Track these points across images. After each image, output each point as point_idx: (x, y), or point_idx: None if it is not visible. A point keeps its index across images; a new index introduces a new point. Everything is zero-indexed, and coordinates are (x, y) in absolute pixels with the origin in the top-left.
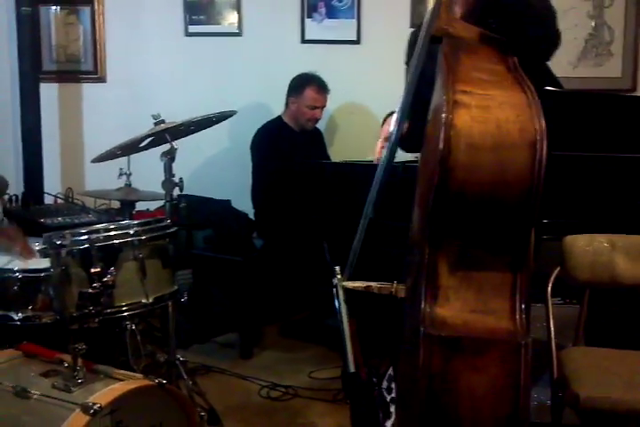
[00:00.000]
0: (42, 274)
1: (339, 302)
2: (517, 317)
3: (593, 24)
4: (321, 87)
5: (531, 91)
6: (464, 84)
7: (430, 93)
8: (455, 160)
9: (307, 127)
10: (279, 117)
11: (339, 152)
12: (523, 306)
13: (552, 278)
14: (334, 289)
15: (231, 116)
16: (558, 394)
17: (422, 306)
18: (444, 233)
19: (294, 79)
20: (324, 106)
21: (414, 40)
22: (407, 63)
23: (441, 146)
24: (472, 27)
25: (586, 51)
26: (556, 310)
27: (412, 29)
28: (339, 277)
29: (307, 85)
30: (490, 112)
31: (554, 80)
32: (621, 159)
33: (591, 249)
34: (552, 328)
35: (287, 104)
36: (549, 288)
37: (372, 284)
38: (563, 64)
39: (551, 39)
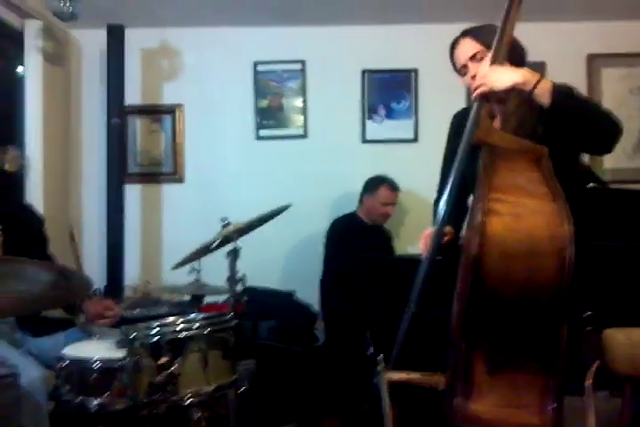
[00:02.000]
0: (118, 363)
1: (381, 390)
2: (547, 414)
3: None
4: (393, 186)
5: (561, 198)
6: (498, 192)
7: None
8: (488, 266)
9: (378, 222)
10: (353, 213)
11: (401, 247)
12: (554, 404)
13: (593, 372)
14: (376, 377)
15: (287, 209)
16: None
17: (456, 400)
18: (479, 331)
19: (370, 179)
20: (395, 203)
21: (456, 122)
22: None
23: (474, 252)
24: (510, 136)
25: None
26: (603, 404)
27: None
28: (381, 365)
29: (381, 185)
30: (521, 220)
31: (595, 177)
32: None
33: (630, 342)
34: (592, 423)
35: (361, 201)
36: (588, 382)
37: (413, 375)
38: (619, 155)
39: (618, 128)
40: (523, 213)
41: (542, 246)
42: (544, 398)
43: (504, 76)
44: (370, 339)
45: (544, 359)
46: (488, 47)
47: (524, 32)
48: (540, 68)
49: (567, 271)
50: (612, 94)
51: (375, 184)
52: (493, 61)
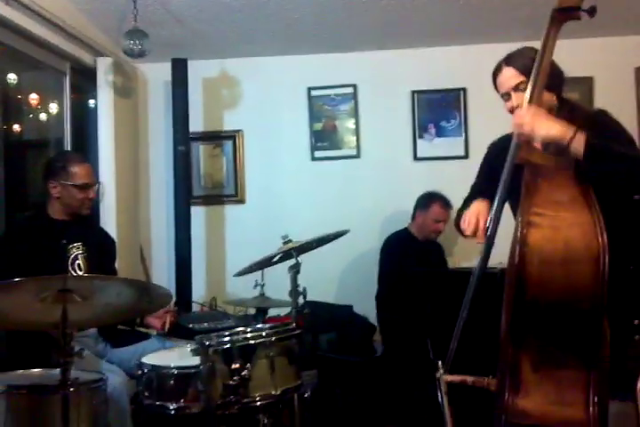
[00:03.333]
0: (193, 370)
1: (440, 394)
2: (591, 409)
3: None
4: (445, 203)
5: (597, 212)
6: (539, 207)
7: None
8: (529, 273)
9: (430, 238)
10: (406, 229)
11: (454, 262)
12: (596, 399)
13: None
14: (437, 382)
15: (345, 234)
16: None
17: (506, 398)
18: (524, 334)
19: (422, 196)
20: (446, 220)
21: (493, 148)
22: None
23: (516, 261)
24: (549, 155)
25: None
26: None
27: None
28: (441, 371)
29: (433, 202)
30: (559, 231)
31: None
32: None
33: None
34: None
35: (414, 217)
36: (639, 386)
37: (468, 378)
38: None
39: None
40: (561, 225)
41: (578, 254)
42: (588, 394)
43: (543, 128)
44: (430, 346)
45: (586, 358)
46: (529, 75)
47: (571, 48)
48: (587, 82)
49: (603, 278)
50: None
51: (428, 201)
52: (531, 100)
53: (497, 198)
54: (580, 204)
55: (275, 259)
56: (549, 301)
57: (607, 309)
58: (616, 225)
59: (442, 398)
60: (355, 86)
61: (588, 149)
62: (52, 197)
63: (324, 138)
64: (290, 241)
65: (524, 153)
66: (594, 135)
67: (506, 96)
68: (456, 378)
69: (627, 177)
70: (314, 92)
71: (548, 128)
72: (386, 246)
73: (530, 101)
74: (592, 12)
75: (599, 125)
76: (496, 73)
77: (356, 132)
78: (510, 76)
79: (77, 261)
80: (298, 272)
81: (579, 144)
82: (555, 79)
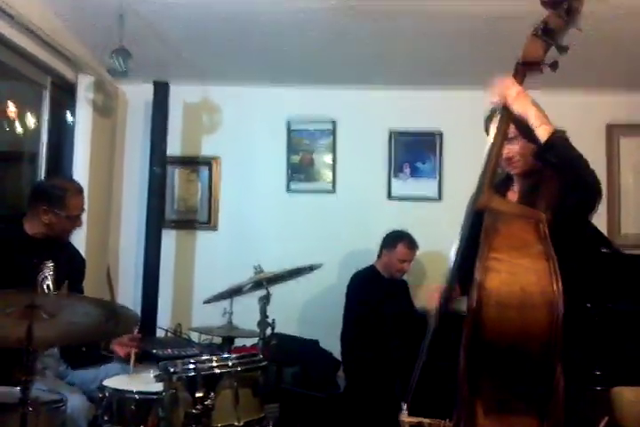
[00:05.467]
0: (155, 396)
1: None
2: None
3: None
4: (411, 244)
5: (553, 259)
6: (497, 252)
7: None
8: (486, 316)
9: (395, 277)
10: (372, 266)
11: (421, 300)
12: None
13: None
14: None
15: (319, 267)
16: None
17: None
18: (480, 377)
19: (389, 235)
20: (412, 260)
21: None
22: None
23: (474, 304)
24: (510, 202)
25: None
26: None
27: None
28: (405, 412)
29: (399, 241)
30: (516, 276)
31: (605, 240)
32: None
33: (638, 401)
34: None
35: (380, 255)
36: None
37: (425, 420)
38: (639, 222)
39: (599, 185)
40: (518, 271)
41: (534, 299)
42: None
43: (521, 105)
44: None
45: (538, 407)
46: (520, 129)
47: (545, 102)
48: None
49: (556, 325)
50: (631, 163)
51: (394, 240)
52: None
53: (454, 249)
54: (536, 250)
55: (245, 288)
56: (505, 344)
57: (562, 357)
58: (575, 272)
59: None
60: (334, 122)
61: (552, 136)
62: (37, 219)
63: (300, 170)
64: (261, 271)
65: (484, 200)
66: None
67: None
68: (414, 420)
69: (579, 171)
70: (293, 126)
71: (525, 107)
72: (352, 284)
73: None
74: (554, 66)
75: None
76: (490, 118)
77: (333, 167)
78: None
79: (47, 282)
80: (267, 303)
81: (545, 131)
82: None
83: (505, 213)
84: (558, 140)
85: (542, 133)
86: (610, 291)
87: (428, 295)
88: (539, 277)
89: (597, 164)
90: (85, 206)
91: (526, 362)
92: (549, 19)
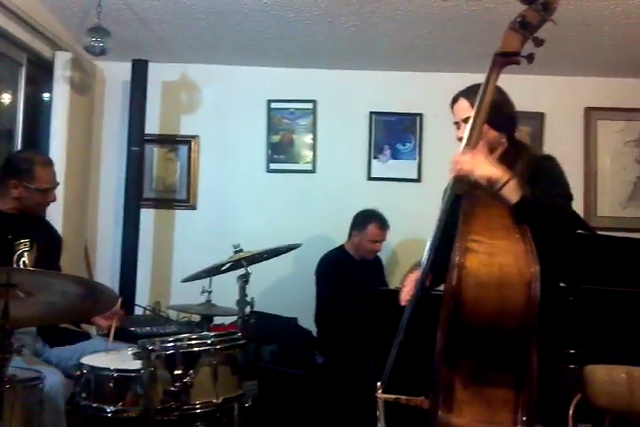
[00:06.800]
0: (133, 374)
1: (378, 412)
2: None
3: None
4: (382, 224)
5: (529, 241)
6: (476, 234)
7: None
8: (465, 295)
9: (367, 258)
10: (342, 246)
11: (396, 281)
12: (524, 419)
13: (573, 404)
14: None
15: (297, 247)
16: None
17: (439, 415)
18: (459, 354)
19: (358, 215)
20: (383, 240)
21: None
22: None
23: (453, 283)
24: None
25: (635, 192)
26: None
27: None
28: (379, 391)
29: (370, 222)
30: (495, 257)
31: (583, 224)
32: None
33: (610, 379)
34: None
35: (350, 236)
36: (571, 412)
37: (402, 397)
38: (614, 205)
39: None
40: (496, 251)
41: (512, 279)
42: (516, 415)
43: (481, 169)
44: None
45: (514, 380)
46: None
47: (524, 84)
48: (539, 118)
49: (533, 303)
50: (608, 146)
51: (364, 221)
52: (469, 142)
53: (432, 233)
54: (513, 234)
55: (224, 267)
56: (483, 322)
57: (537, 336)
58: (550, 256)
59: (378, 415)
60: (315, 102)
61: (519, 200)
62: (8, 193)
63: (280, 151)
64: (241, 250)
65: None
66: (530, 181)
67: (457, 125)
68: (390, 397)
69: (550, 229)
70: (273, 105)
71: (486, 169)
72: (320, 266)
73: (467, 144)
74: (530, 58)
75: (541, 170)
76: (453, 102)
77: (313, 147)
78: (463, 108)
79: (23, 259)
80: (247, 282)
81: (511, 189)
82: (503, 119)
83: (483, 197)
84: (525, 201)
85: (510, 192)
86: (585, 272)
87: (405, 281)
88: (516, 258)
89: (575, 146)
90: (58, 180)
91: (504, 338)
92: (526, 13)
